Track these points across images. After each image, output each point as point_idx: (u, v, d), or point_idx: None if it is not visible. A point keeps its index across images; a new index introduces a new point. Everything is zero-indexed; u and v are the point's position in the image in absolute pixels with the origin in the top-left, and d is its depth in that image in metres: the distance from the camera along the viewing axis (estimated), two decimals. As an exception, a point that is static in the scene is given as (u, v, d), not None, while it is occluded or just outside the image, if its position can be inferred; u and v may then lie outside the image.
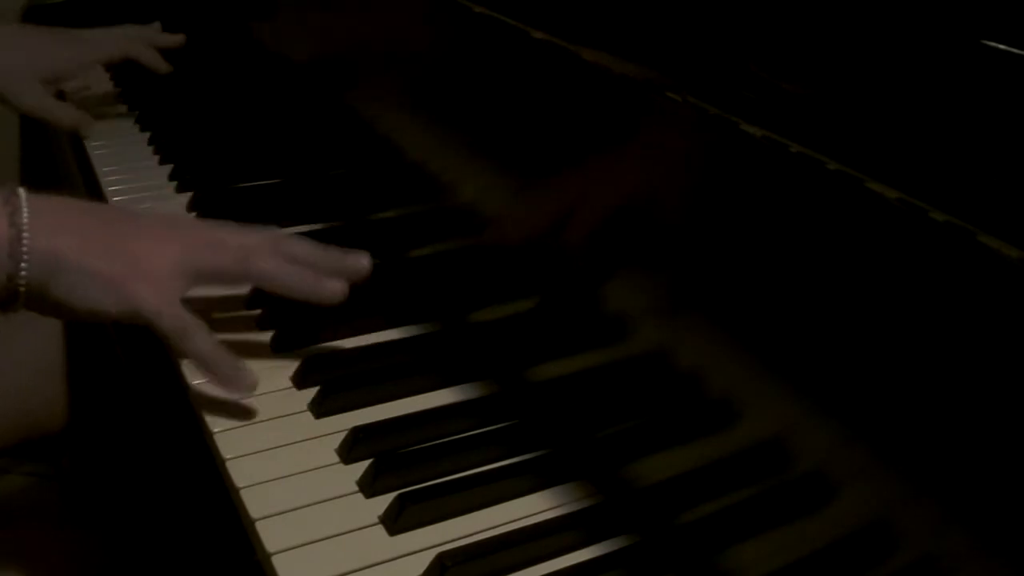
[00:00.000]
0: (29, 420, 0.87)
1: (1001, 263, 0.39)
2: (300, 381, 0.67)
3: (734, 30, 0.53)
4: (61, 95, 1.08)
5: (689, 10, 0.56)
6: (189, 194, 0.90)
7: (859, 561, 0.44)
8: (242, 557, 0.56)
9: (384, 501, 0.57)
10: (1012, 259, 0.38)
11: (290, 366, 0.68)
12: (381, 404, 0.66)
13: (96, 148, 1.00)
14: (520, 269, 0.68)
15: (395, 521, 0.56)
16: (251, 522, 0.56)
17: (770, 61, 0.51)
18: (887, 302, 0.43)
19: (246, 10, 1.17)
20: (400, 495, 0.57)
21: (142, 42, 1.06)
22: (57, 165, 1.11)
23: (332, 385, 0.66)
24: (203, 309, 0.67)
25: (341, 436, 0.62)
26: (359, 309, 0.73)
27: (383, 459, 0.60)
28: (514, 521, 0.58)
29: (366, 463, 0.60)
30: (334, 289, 0.67)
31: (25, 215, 0.59)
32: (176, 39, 1.08)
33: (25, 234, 0.59)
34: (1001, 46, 0.41)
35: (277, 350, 0.70)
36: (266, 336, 0.71)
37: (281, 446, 0.62)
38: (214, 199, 0.89)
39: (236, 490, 0.58)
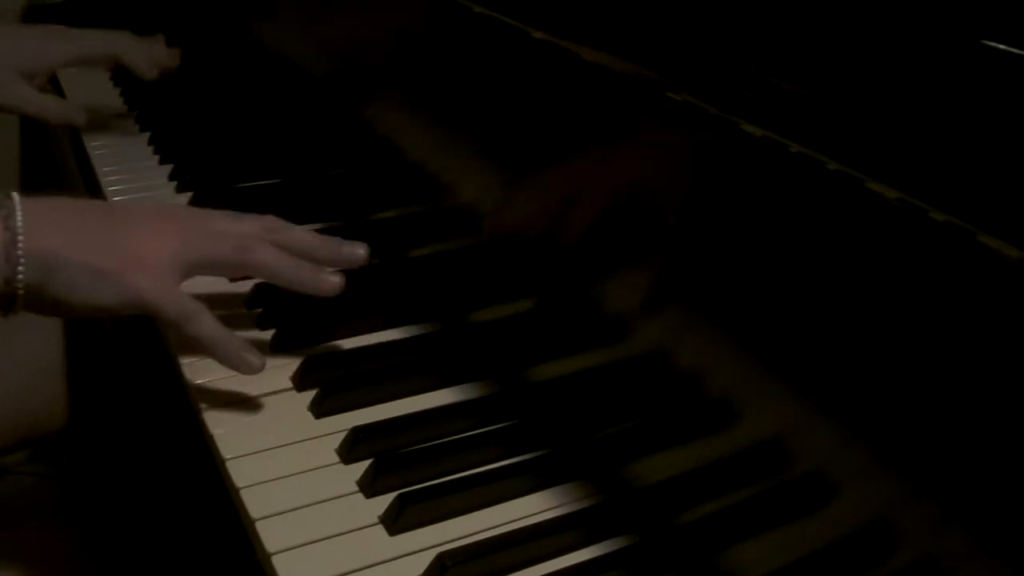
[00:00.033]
0: (29, 420, 0.87)
1: (1001, 263, 0.39)
2: (300, 381, 0.67)
3: (734, 30, 0.53)
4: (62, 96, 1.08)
5: (689, 10, 0.56)
6: (189, 194, 0.90)
7: (859, 561, 0.44)
8: (242, 557, 0.56)
9: (384, 501, 0.57)
10: (1012, 259, 0.38)
11: (290, 366, 0.68)
12: (381, 404, 0.66)
13: (96, 148, 1.00)
14: (520, 269, 0.68)
15: (395, 521, 0.56)
16: (251, 522, 0.56)
17: (770, 61, 0.51)
18: (887, 302, 0.43)
19: (246, 10, 1.17)
20: (400, 495, 0.57)
21: (138, 49, 1.02)
22: (57, 165, 1.11)
23: (332, 385, 0.66)
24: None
25: (341, 436, 0.62)
26: (359, 309, 0.73)
27: (383, 459, 0.60)
28: (514, 521, 0.58)
29: (366, 463, 0.60)
30: (332, 282, 0.67)
31: (19, 218, 0.59)
32: (173, 59, 1.04)
33: (20, 237, 0.59)
34: (1001, 46, 0.41)
35: (277, 350, 0.70)
36: (266, 336, 0.71)
37: (281, 446, 0.62)
38: (214, 199, 0.89)
39: (236, 490, 0.58)
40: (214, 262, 0.66)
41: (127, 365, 0.75)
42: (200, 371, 0.66)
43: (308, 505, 0.57)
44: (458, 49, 0.74)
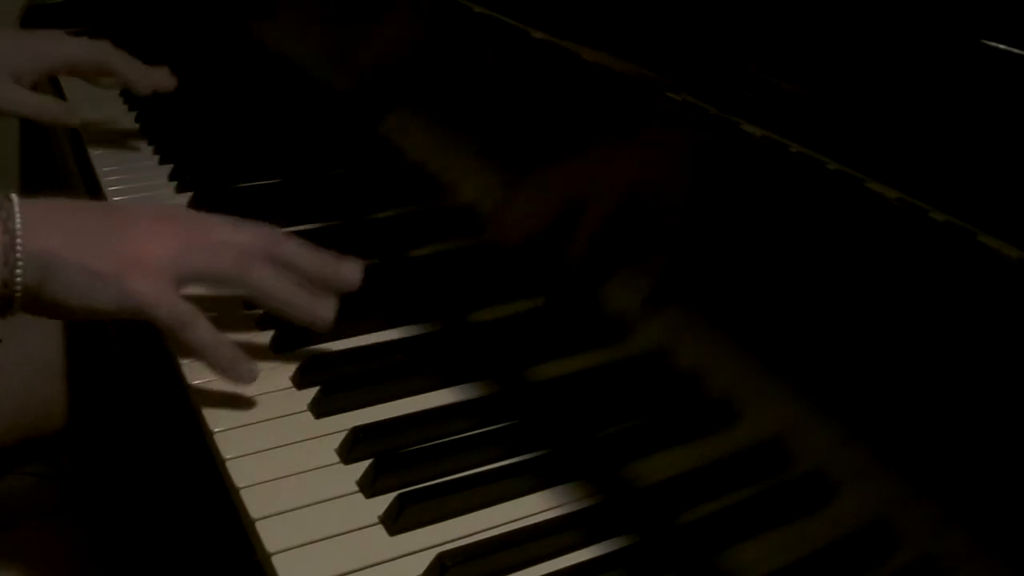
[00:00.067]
0: (29, 420, 0.87)
1: (1001, 263, 0.39)
2: (300, 381, 0.67)
3: (734, 30, 0.53)
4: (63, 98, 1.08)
5: (689, 10, 0.56)
6: (189, 194, 0.90)
7: (859, 561, 0.44)
8: (242, 557, 0.56)
9: (384, 501, 0.57)
10: (1012, 259, 0.38)
11: (290, 366, 0.68)
12: (381, 404, 0.66)
13: (96, 148, 1.00)
14: (520, 269, 0.68)
15: (395, 521, 0.56)
16: (251, 522, 0.56)
17: (770, 61, 0.51)
18: (887, 302, 0.43)
19: (246, 10, 1.17)
20: (400, 495, 0.57)
21: (132, 62, 0.99)
22: (57, 165, 1.11)
23: (332, 385, 0.66)
24: (202, 309, 0.66)
25: (341, 436, 0.62)
26: (359, 309, 0.73)
27: (383, 459, 0.60)
28: (514, 521, 0.58)
29: (366, 463, 0.60)
30: (324, 318, 0.67)
31: (18, 220, 0.59)
32: (170, 82, 1.01)
33: (19, 239, 0.59)
34: (1001, 46, 0.41)
35: (277, 350, 0.70)
36: (266, 336, 0.71)
37: (281, 446, 0.62)
38: (214, 199, 0.89)
39: (236, 490, 0.58)
40: (212, 275, 0.65)
41: (127, 365, 0.75)
42: (200, 371, 0.66)
43: (308, 505, 0.57)
44: (458, 49, 0.74)
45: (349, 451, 0.61)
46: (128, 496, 0.96)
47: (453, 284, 0.76)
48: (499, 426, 0.65)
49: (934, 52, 0.44)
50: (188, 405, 0.66)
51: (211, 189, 0.92)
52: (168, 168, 0.95)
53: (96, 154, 0.98)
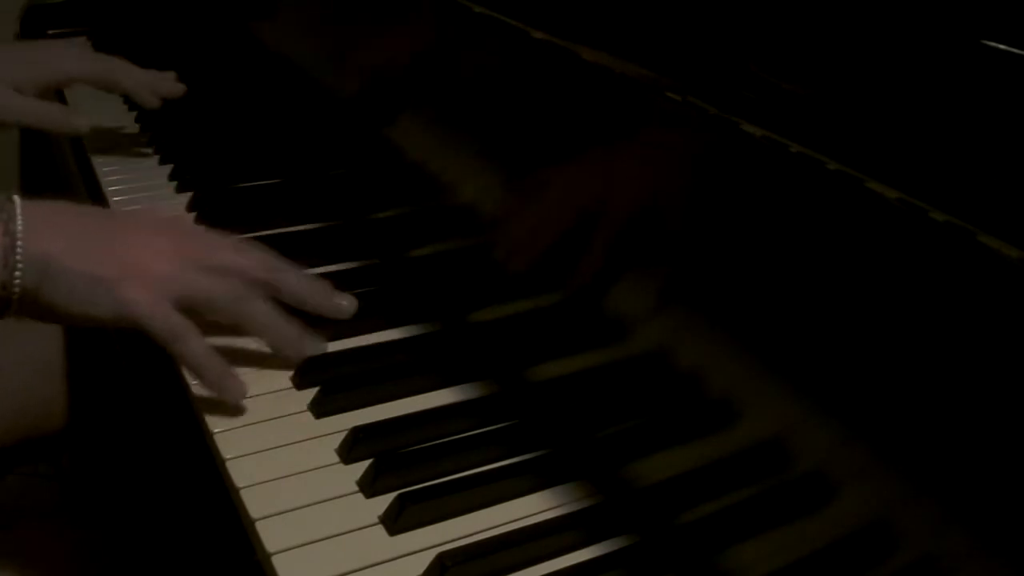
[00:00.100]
0: (29, 420, 0.87)
1: (1001, 263, 0.39)
2: (300, 381, 0.67)
3: (734, 30, 0.53)
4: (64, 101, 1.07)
5: (689, 10, 0.56)
6: (189, 194, 0.90)
7: (859, 561, 0.44)
8: (242, 557, 0.56)
9: (384, 501, 0.57)
10: (1012, 259, 0.38)
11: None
12: (381, 404, 0.66)
13: (96, 148, 1.00)
14: (519, 269, 0.68)
15: (395, 521, 0.56)
16: (251, 522, 0.56)
17: (770, 61, 0.51)
18: (887, 302, 0.43)
19: (246, 10, 1.17)
20: (400, 495, 0.57)
21: (140, 76, 0.99)
22: (57, 165, 1.11)
23: (332, 385, 0.66)
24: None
25: (341, 436, 0.62)
26: (359, 309, 0.73)
27: (383, 459, 0.60)
28: (514, 521, 0.58)
29: (366, 463, 0.60)
30: (312, 354, 0.67)
31: (20, 223, 0.59)
32: (178, 89, 1.01)
33: (19, 242, 0.59)
34: (1001, 46, 0.41)
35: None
36: (266, 336, 0.71)
37: (281, 446, 0.62)
38: (214, 199, 0.89)
39: (236, 490, 0.58)
40: (207, 300, 0.65)
41: (127, 365, 0.75)
42: (190, 375, 0.66)
43: (308, 505, 0.57)
44: (458, 49, 0.74)
45: (349, 451, 0.61)
46: (128, 496, 0.96)
47: (453, 284, 0.76)
48: (499, 426, 0.65)
49: (934, 52, 0.44)
50: (188, 405, 0.65)
51: (211, 189, 0.92)
52: (168, 168, 0.95)
53: (96, 154, 0.98)
